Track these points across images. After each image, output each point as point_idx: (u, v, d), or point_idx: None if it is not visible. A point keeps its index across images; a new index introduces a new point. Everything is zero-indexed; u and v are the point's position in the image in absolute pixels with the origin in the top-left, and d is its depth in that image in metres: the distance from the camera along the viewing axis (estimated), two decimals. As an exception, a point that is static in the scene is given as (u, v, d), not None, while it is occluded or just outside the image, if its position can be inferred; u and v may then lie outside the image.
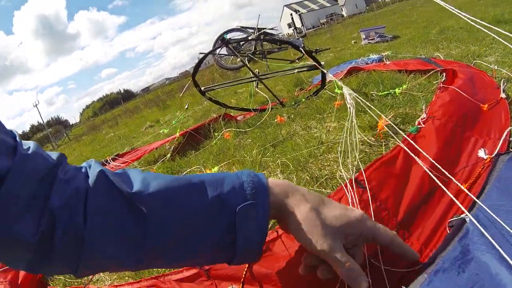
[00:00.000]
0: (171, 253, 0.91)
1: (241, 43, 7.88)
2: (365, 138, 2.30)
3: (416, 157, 1.58)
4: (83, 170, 0.89)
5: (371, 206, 1.34)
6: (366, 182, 1.46)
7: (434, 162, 1.43)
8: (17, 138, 0.81)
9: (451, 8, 2.36)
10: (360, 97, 2.12)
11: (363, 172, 1.48)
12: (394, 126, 1.80)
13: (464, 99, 2.23)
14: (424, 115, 2.00)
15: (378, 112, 2.24)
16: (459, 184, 1.35)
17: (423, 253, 1.17)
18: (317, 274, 0.97)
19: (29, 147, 0.81)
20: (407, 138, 1.64)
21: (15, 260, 0.81)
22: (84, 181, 0.84)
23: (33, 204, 0.73)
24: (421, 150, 1.57)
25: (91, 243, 0.79)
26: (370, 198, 1.36)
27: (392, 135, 1.95)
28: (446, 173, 1.37)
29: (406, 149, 1.57)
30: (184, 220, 0.89)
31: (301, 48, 4.10)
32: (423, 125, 1.91)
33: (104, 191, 0.83)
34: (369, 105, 2.07)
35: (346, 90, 2.36)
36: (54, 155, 0.88)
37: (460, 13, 2.34)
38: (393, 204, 1.39)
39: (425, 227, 1.27)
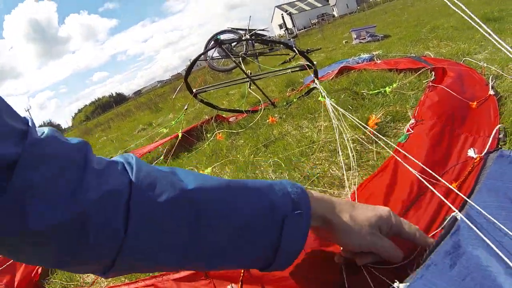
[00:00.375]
0: (218, 257, 0.88)
1: (233, 44, 7.89)
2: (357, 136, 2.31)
3: (406, 165, 1.60)
4: (119, 166, 0.80)
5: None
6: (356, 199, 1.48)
7: (418, 174, 1.45)
8: (30, 123, 0.71)
9: (450, 4, 2.38)
10: (342, 109, 2.14)
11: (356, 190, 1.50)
12: (381, 135, 1.82)
13: (453, 97, 2.25)
14: (412, 121, 2.02)
15: (358, 122, 2.25)
16: (447, 184, 1.37)
17: (417, 251, 1.19)
18: (357, 262, 1.06)
19: (44, 132, 0.71)
20: (396, 147, 1.65)
21: (40, 258, 0.73)
22: (124, 178, 0.76)
23: (55, 193, 0.64)
24: (406, 165, 1.59)
25: (132, 247, 0.73)
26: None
27: (380, 139, 1.97)
28: (435, 175, 1.38)
29: (398, 159, 1.59)
30: (241, 224, 0.87)
31: (294, 48, 4.12)
32: (412, 131, 1.94)
33: (155, 191, 0.75)
34: (353, 117, 2.08)
35: (329, 101, 2.37)
36: (75, 140, 0.79)
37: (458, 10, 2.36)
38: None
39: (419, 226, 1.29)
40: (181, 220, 0.78)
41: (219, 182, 0.89)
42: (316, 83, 3.22)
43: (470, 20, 2.21)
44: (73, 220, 0.65)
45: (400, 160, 1.61)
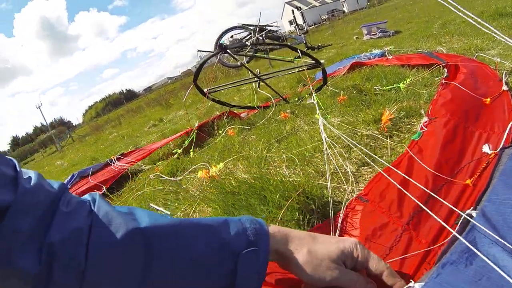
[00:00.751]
0: None
1: (244, 40, 7.86)
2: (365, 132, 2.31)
3: (421, 162, 1.60)
4: (87, 204, 0.89)
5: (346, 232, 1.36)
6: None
7: (432, 170, 1.45)
8: (17, 167, 0.82)
9: (446, 4, 2.37)
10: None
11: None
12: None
13: (466, 94, 2.24)
14: (426, 118, 2.01)
15: (354, 144, 2.25)
16: (460, 182, 1.37)
17: (432, 250, 1.19)
18: None
19: (30, 177, 0.82)
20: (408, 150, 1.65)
21: None
22: (88, 216, 0.84)
23: (33, 238, 0.73)
24: (420, 162, 1.59)
25: (92, 280, 0.79)
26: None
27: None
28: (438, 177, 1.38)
29: (413, 156, 1.59)
30: (191, 259, 0.91)
31: (298, 50, 4.13)
32: (426, 129, 1.93)
33: (110, 228, 0.83)
34: (354, 142, 2.07)
35: (321, 121, 2.37)
36: (55, 184, 0.89)
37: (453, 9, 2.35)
38: (397, 208, 1.41)
39: (432, 226, 1.29)
40: (134, 254, 0.84)
41: (172, 220, 0.94)
42: (313, 97, 3.23)
43: (467, 18, 2.19)
44: (45, 260, 0.74)
45: (414, 157, 1.61)
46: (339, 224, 1.43)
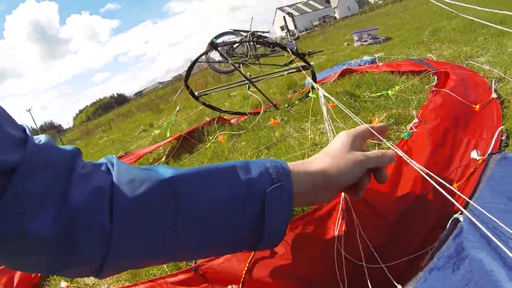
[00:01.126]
0: (201, 240, 0.90)
1: (235, 46, 7.87)
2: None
3: (411, 161, 1.59)
4: (103, 167, 0.86)
5: (355, 221, 1.35)
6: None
7: (420, 169, 1.44)
8: (28, 131, 0.77)
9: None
10: (346, 108, 2.13)
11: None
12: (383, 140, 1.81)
13: (456, 101, 2.24)
14: (416, 120, 2.01)
15: (358, 120, 2.25)
16: (448, 186, 1.36)
17: (419, 254, 1.18)
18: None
19: (40, 140, 0.77)
20: (396, 147, 1.65)
21: (34, 264, 0.76)
22: (107, 177, 0.80)
23: (47, 200, 0.68)
24: (408, 159, 1.58)
25: (120, 241, 0.76)
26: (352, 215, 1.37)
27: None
28: (435, 176, 1.38)
29: (401, 153, 1.58)
30: (218, 203, 0.89)
31: (288, 49, 4.13)
32: (415, 129, 1.93)
33: (134, 183, 0.80)
34: (349, 111, 2.07)
35: (322, 92, 2.36)
36: (68, 147, 0.85)
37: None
38: (385, 209, 1.41)
39: (420, 229, 1.29)
40: (162, 207, 0.82)
41: (194, 169, 0.92)
42: (309, 80, 3.22)
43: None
44: (66, 224, 0.70)
45: (404, 155, 1.60)
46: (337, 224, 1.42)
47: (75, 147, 0.87)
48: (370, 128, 1.20)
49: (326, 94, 2.22)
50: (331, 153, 1.07)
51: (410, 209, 1.36)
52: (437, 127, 1.89)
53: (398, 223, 1.32)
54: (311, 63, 4.01)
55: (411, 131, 1.92)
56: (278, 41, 7.47)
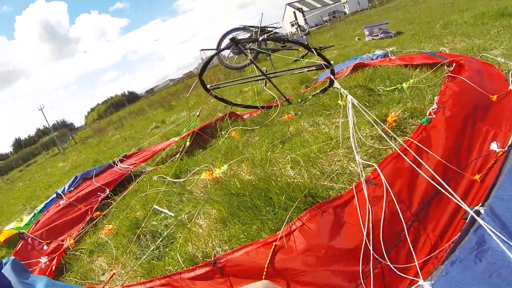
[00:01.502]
0: None
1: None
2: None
3: (430, 152, 1.59)
4: None
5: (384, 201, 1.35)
6: (382, 177, 1.47)
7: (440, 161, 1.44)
8: None
9: None
10: (361, 102, 2.13)
11: (378, 169, 1.49)
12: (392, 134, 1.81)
13: (473, 89, 2.23)
14: (435, 106, 1.99)
15: (374, 119, 2.24)
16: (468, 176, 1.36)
17: (439, 246, 1.18)
18: None
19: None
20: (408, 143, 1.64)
21: None
22: None
23: None
24: (427, 150, 1.58)
25: None
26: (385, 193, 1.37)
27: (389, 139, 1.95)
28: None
29: (410, 162, 1.58)
30: None
31: (312, 48, 4.10)
32: (434, 116, 1.92)
33: None
34: (375, 119, 2.06)
35: (350, 100, 2.36)
36: None
37: None
38: (407, 197, 1.40)
39: (440, 220, 1.28)
40: None
41: None
42: (337, 85, 3.19)
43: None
44: None
45: (422, 146, 1.60)
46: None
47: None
48: None
49: (350, 97, 2.23)
50: None
51: (430, 198, 1.36)
52: (456, 114, 1.88)
53: (419, 213, 1.33)
54: (331, 62, 3.99)
55: (430, 117, 1.91)
56: (288, 37, 7.43)
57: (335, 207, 1.43)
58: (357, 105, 2.19)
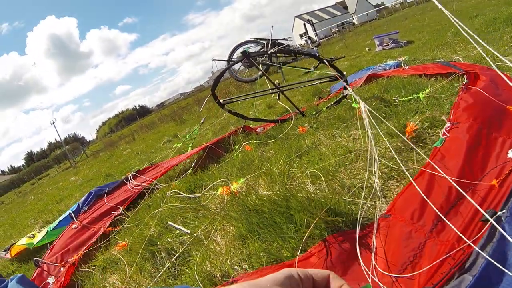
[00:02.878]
0: None
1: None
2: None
3: (441, 172, 1.56)
4: (4, 284, 0.90)
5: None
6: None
7: (451, 180, 1.41)
8: None
9: (449, 15, 2.35)
10: (380, 109, 2.10)
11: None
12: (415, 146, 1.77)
13: (488, 100, 2.19)
14: (448, 124, 1.97)
15: (392, 127, 2.20)
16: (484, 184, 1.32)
17: (457, 253, 1.16)
18: None
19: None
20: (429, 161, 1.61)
21: None
22: None
23: None
24: (442, 173, 1.54)
25: None
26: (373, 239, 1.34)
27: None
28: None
29: (435, 166, 1.55)
30: None
31: (324, 60, 4.08)
32: (448, 135, 1.89)
33: None
34: (390, 110, 2.03)
35: (363, 106, 2.33)
36: None
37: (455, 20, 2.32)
38: (419, 217, 1.39)
39: (458, 225, 1.27)
40: None
41: None
42: (349, 90, 3.16)
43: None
44: None
45: (436, 166, 1.57)
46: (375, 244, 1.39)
47: None
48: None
49: (369, 108, 2.20)
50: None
51: (446, 213, 1.34)
52: (470, 128, 1.85)
53: (434, 228, 1.31)
54: (344, 73, 3.96)
55: (444, 137, 1.88)
56: (300, 49, 7.43)
57: (353, 238, 1.44)
58: (369, 111, 2.16)
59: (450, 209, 1.37)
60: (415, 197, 1.49)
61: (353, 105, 2.91)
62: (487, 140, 1.77)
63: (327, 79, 4.28)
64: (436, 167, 1.55)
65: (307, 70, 7.23)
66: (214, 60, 5.24)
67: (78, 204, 4.67)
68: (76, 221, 4.12)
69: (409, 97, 3.21)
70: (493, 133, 1.83)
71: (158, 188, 4.30)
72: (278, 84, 4.66)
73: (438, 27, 11.22)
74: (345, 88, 4.07)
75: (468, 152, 1.67)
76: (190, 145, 4.88)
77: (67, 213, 4.60)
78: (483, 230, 1.19)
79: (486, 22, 7.35)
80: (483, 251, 1.04)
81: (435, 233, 1.29)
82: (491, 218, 1.14)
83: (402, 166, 1.72)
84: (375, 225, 1.47)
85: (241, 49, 7.52)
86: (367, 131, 2.10)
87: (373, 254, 1.36)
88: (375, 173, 1.87)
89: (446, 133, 1.91)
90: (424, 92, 3.12)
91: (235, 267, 1.87)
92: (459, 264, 1.05)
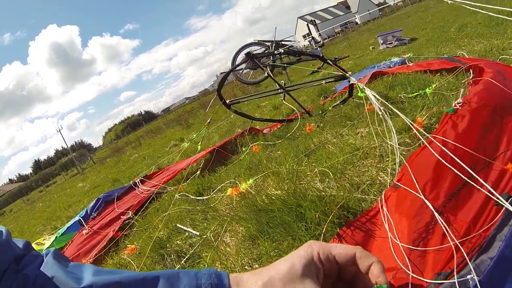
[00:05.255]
0: None
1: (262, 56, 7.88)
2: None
3: (456, 143, 1.54)
4: (40, 258, 0.91)
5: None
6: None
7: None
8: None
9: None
10: (386, 102, 2.10)
11: (407, 165, 1.45)
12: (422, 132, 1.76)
13: (497, 87, 2.18)
14: (460, 100, 1.94)
15: (404, 117, 2.19)
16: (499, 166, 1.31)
17: (472, 231, 1.14)
18: None
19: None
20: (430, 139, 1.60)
21: None
22: (37, 268, 0.86)
23: None
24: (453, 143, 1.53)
25: None
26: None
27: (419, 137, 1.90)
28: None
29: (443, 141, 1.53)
30: None
31: (328, 60, 4.08)
32: (460, 107, 1.87)
33: (52, 283, 0.83)
34: (394, 109, 2.01)
35: (370, 92, 2.32)
36: (20, 242, 0.93)
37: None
38: (432, 190, 1.36)
39: (472, 207, 1.24)
40: None
41: (119, 276, 0.87)
42: (353, 79, 3.15)
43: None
44: None
45: (448, 140, 1.55)
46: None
47: (26, 242, 0.95)
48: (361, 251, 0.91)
49: (377, 96, 2.19)
50: (267, 281, 0.87)
51: (459, 189, 1.32)
52: (482, 108, 1.84)
53: (446, 204, 1.29)
54: (348, 72, 3.96)
55: (455, 107, 1.86)
56: (304, 50, 7.43)
57: (364, 222, 1.42)
58: (377, 98, 2.15)
59: (464, 186, 1.35)
60: (427, 167, 1.46)
61: (359, 94, 2.90)
62: (500, 123, 1.76)
63: (332, 79, 4.27)
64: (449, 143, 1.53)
65: (313, 70, 7.25)
66: (222, 73, 5.25)
67: (87, 210, 4.69)
68: (86, 227, 4.13)
69: (415, 93, 3.21)
70: (504, 117, 1.81)
71: (166, 192, 4.31)
72: (283, 85, 4.66)
73: (441, 24, 11.19)
74: (350, 91, 4.07)
75: (480, 130, 1.66)
76: (199, 143, 4.87)
77: (76, 218, 4.62)
78: (499, 214, 1.17)
79: (490, 16, 7.34)
80: (499, 234, 1.03)
81: (448, 209, 1.27)
82: (507, 202, 1.13)
83: (417, 132, 1.69)
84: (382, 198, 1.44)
85: (245, 51, 7.55)
86: (380, 113, 2.10)
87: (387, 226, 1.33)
88: (395, 145, 1.87)
89: (458, 106, 1.88)
90: (430, 88, 3.11)
91: (246, 267, 1.86)
92: (477, 248, 1.04)
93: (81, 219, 4.47)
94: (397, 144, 1.94)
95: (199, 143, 5.02)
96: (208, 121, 4.89)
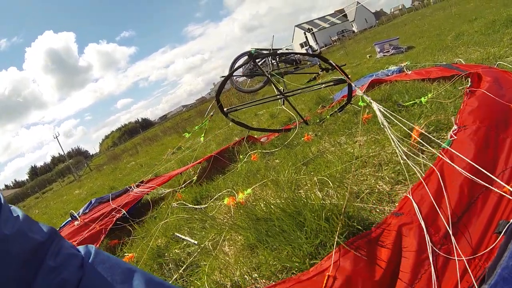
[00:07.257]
0: None
1: (260, 63, 7.90)
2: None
3: (458, 168, 1.54)
4: (79, 257, 0.81)
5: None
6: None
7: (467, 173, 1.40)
8: (2, 200, 0.75)
9: None
10: (388, 110, 2.10)
11: (410, 197, 1.45)
12: (427, 135, 1.76)
13: (493, 101, 2.18)
14: (455, 127, 1.96)
15: (406, 123, 2.20)
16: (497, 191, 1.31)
17: (472, 264, 1.14)
18: None
19: (15, 219, 0.75)
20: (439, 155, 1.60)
21: None
22: (78, 271, 0.78)
23: None
24: (456, 167, 1.53)
25: None
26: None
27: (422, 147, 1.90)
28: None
29: (447, 160, 1.54)
30: None
31: (330, 61, 4.08)
32: (456, 137, 1.88)
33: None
34: (397, 116, 2.02)
35: (376, 106, 2.33)
36: (45, 228, 0.81)
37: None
38: (433, 221, 1.36)
39: (472, 236, 1.24)
40: None
41: None
42: (358, 90, 3.16)
43: None
44: None
45: (449, 161, 1.56)
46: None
47: (52, 229, 0.83)
48: None
49: (381, 107, 2.20)
50: None
51: (459, 217, 1.32)
52: (477, 130, 1.84)
53: (447, 235, 1.29)
54: (349, 76, 3.97)
55: (451, 139, 1.87)
56: (301, 59, 7.44)
57: (367, 242, 1.42)
58: (382, 111, 2.15)
59: (463, 214, 1.35)
60: (426, 198, 1.47)
61: (359, 103, 2.91)
62: (495, 142, 1.76)
63: (332, 83, 4.28)
64: (450, 163, 1.54)
65: (310, 79, 7.25)
66: (222, 77, 5.26)
67: (79, 212, 4.65)
68: (79, 219, 4.08)
69: (412, 102, 3.21)
70: (500, 135, 1.82)
71: (163, 195, 4.29)
72: (282, 90, 4.66)
73: (437, 32, 11.24)
74: (349, 98, 4.08)
75: (477, 154, 1.66)
76: (202, 135, 4.86)
77: (69, 218, 4.57)
78: (497, 241, 1.17)
79: (486, 24, 7.39)
80: (498, 264, 1.03)
81: (449, 240, 1.27)
82: (505, 228, 1.13)
83: (416, 168, 1.70)
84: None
85: (242, 60, 7.55)
86: (381, 123, 2.10)
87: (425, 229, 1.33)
88: (398, 148, 1.88)
89: (454, 135, 1.90)
90: (426, 97, 3.12)
91: (245, 276, 1.86)
92: (479, 279, 1.04)
93: (73, 212, 4.41)
94: (402, 154, 1.94)
95: (202, 135, 4.99)
96: (211, 114, 4.87)
